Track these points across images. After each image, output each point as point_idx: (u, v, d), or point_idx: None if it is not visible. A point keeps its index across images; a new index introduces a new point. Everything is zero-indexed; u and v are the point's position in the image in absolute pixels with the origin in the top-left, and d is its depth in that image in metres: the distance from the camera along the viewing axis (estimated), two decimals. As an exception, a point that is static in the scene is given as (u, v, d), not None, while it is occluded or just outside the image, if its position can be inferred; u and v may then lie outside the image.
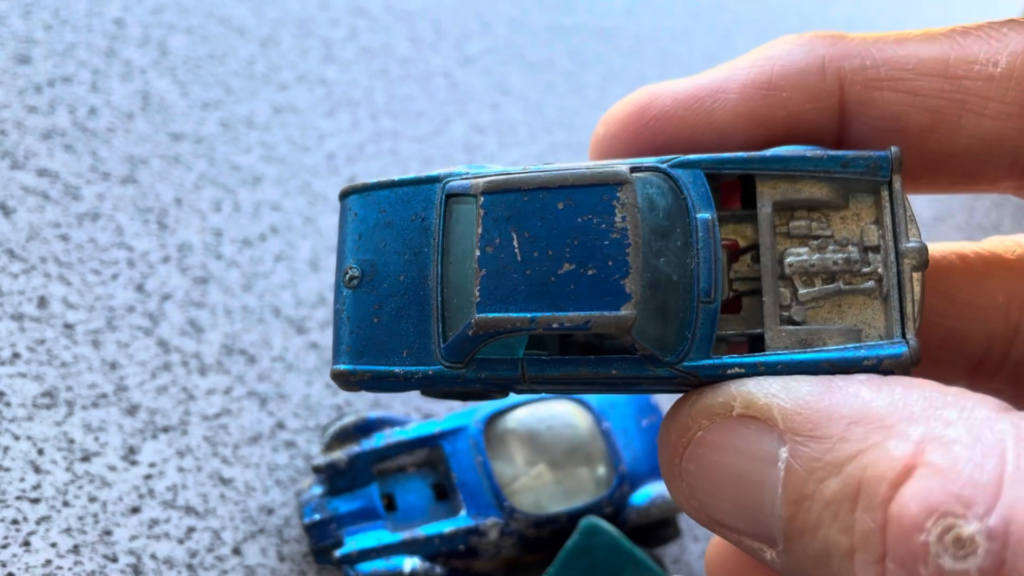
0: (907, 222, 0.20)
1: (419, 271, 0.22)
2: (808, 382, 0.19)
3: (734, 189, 0.22)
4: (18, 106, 0.41)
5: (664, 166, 0.21)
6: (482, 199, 0.21)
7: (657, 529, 0.35)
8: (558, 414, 0.35)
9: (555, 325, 0.20)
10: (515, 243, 0.21)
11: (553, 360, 0.21)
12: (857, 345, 0.20)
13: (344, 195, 0.24)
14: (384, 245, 0.23)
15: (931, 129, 0.21)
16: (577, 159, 0.51)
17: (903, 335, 0.20)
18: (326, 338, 0.39)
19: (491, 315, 0.20)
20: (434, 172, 0.23)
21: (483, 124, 0.49)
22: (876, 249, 0.21)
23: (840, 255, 0.21)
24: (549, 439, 0.34)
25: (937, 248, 0.25)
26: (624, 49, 0.55)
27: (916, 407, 0.17)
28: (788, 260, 0.21)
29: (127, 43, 0.45)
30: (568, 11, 0.56)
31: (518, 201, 0.21)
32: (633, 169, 0.21)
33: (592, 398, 0.35)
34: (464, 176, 0.22)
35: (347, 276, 0.23)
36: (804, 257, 0.21)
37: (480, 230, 0.21)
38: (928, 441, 0.17)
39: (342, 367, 0.22)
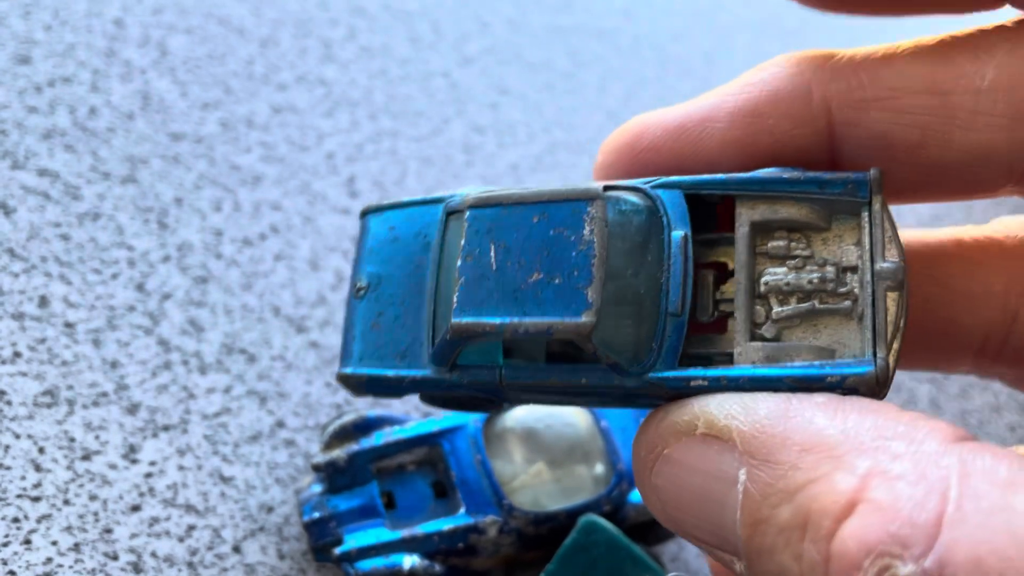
0: (885, 242, 0.20)
1: (418, 282, 0.24)
2: (767, 402, 0.19)
3: (730, 212, 0.23)
4: (18, 106, 0.42)
5: (646, 186, 0.22)
6: (468, 213, 0.22)
7: (656, 527, 0.35)
8: (557, 413, 0.35)
9: (521, 331, 0.21)
10: (492, 253, 0.22)
11: (528, 367, 0.22)
12: (823, 362, 0.20)
13: (363, 214, 0.26)
14: (389, 259, 0.24)
15: (920, 145, 0.21)
16: (575, 159, 0.51)
17: (874, 354, 0.19)
18: (326, 337, 0.39)
19: (465, 320, 0.21)
20: (442, 194, 0.24)
21: (482, 124, 0.49)
22: (854, 269, 0.21)
23: (815, 275, 0.21)
24: (548, 437, 0.34)
25: (935, 236, 0.24)
26: (623, 49, 0.55)
27: (866, 437, 0.17)
28: (764, 279, 0.21)
29: (127, 43, 0.46)
30: (567, 11, 0.56)
31: (499, 215, 0.22)
32: (610, 187, 0.22)
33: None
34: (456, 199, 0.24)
35: (356, 287, 0.25)
36: (779, 276, 0.21)
37: (463, 241, 0.22)
38: (873, 475, 0.16)
39: (344, 371, 0.24)
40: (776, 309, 0.21)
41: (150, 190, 0.41)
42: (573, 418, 0.35)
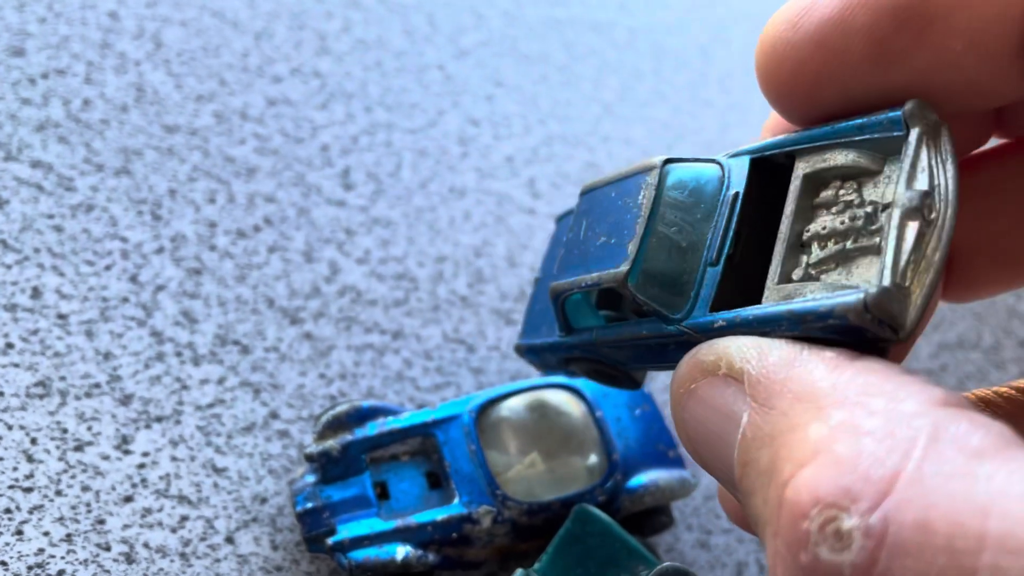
0: (917, 173, 0.19)
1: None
2: (780, 349, 0.19)
3: None
4: (12, 98, 0.41)
5: (719, 158, 0.24)
6: (580, 200, 0.26)
7: (650, 517, 0.35)
8: (551, 403, 0.35)
9: (583, 284, 0.24)
10: (583, 227, 0.25)
11: (610, 326, 0.25)
12: (823, 295, 0.19)
13: (557, 220, 0.32)
14: (549, 252, 0.30)
15: None
16: (571, 151, 0.51)
17: (879, 283, 0.19)
18: (319, 329, 0.39)
19: (556, 282, 0.25)
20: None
21: (477, 116, 0.49)
22: (889, 206, 0.20)
23: (850, 215, 0.20)
24: (542, 428, 0.34)
25: None
26: (618, 42, 0.55)
27: (852, 392, 0.17)
28: (808, 227, 0.21)
29: (121, 36, 0.45)
30: (562, 4, 0.56)
31: (593, 196, 0.26)
32: (675, 160, 0.24)
33: (586, 387, 0.35)
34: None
35: (536, 278, 0.31)
36: (820, 225, 0.21)
37: (572, 222, 0.26)
38: (843, 428, 0.16)
39: (517, 342, 0.30)
40: (815, 255, 0.21)
41: (144, 182, 0.41)
42: (568, 408, 0.35)
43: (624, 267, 0.23)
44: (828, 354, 0.18)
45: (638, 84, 0.53)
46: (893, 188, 0.20)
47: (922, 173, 0.19)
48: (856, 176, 0.21)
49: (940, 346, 0.47)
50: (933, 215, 0.19)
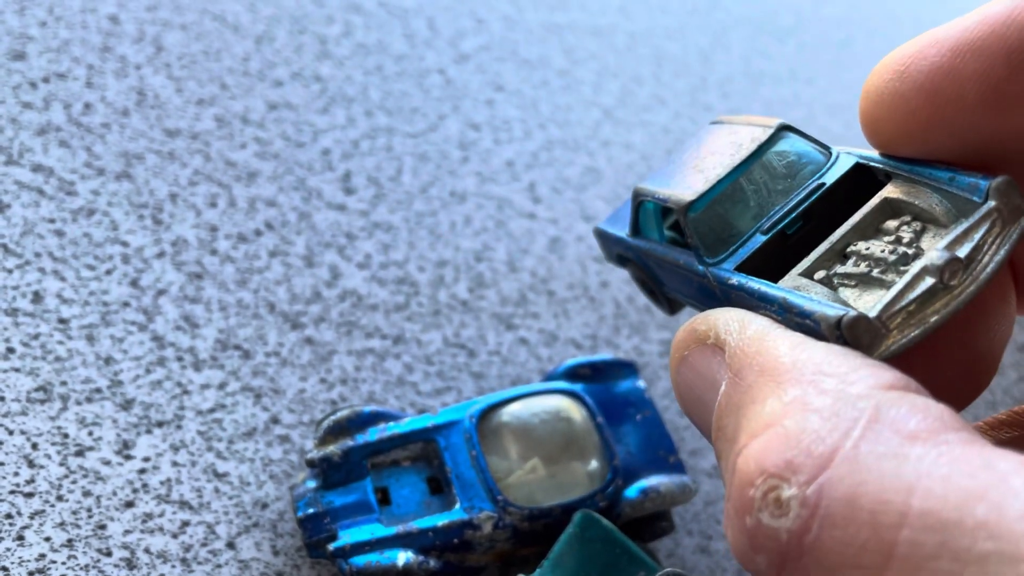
0: (963, 240, 0.20)
1: None
2: (757, 323, 0.20)
3: None
4: (13, 102, 0.41)
5: (835, 148, 0.24)
6: (709, 126, 0.27)
7: (651, 523, 0.35)
8: (552, 408, 0.35)
9: (656, 196, 0.25)
10: (693, 149, 0.26)
11: (664, 244, 0.26)
12: (815, 299, 0.20)
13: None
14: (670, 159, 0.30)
15: None
16: (571, 155, 0.51)
17: (867, 312, 0.19)
18: (320, 333, 0.39)
19: (642, 185, 0.26)
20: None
21: (478, 121, 0.49)
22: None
23: (890, 249, 0.21)
24: (543, 433, 0.34)
25: None
26: (618, 47, 0.55)
27: (808, 370, 0.18)
28: (857, 243, 0.22)
29: (122, 40, 0.45)
30: (563, 9, 0.56)
31: (719, 128, 0.26)
32: (790, 127, 0.24)
33: (587, 392, 0.35)
34: None
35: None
36: (866, 246, 0.21)
37: (692, 142, 0.27)
38: (794, 405, 0.18)
39: (598, 225, 0.30)
40: (841, 266, 0.21)
41: (145, 186, 0.41)
42: (568, 414, 0.35)
43: (690, 197, 0.24)
44: (796, 334, 0.20)
45: (638, 89, 0.53)
46: (937, 240, 0.20)
47: (969, 243, 0.20)
48: (926, 219, 0.21)
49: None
50: (954, 282, 0.19)
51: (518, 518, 0.32)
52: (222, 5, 0.49)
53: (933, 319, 0.19)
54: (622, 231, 0.28)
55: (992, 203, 0.20)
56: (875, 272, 0.21)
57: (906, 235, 0.21)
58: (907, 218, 0.21)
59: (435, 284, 0.42)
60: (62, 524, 0.32)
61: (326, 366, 0.38)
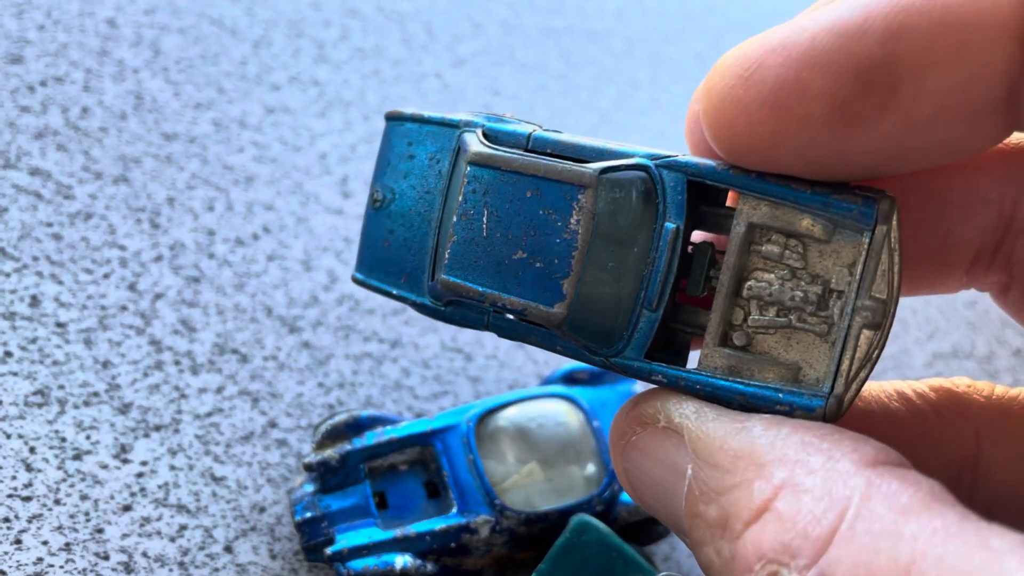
0: (877, 276, 0.20)
1: (427, 209, 0.24)
2: (718, 411, 0.20)
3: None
4: (10, 106, 0.42)
5: (652, 164, 0.21)
6: (468, 168, 0.22)
7: (647, 527, 0.35)
8: (549, 412, 0.35)
9: (499, 304, 0.22)
10: (484, 219, 0.22)
11: (514, 324, 0.23)
12: (778, 387, 0.20)
13: (387, 118, 0.26)
14: (404, 176, 0.25)
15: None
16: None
17: (831, 391, 0.20)
18: (318, 337, 0.39)
19: (453, 280, 0.22)
20: (456, 117, 0.24)
21: (475, 125, 0.49)
22: (840, 294, 0.20)
23: (799, 292, 0.20)
24: (540, 437, 0.34)
25: None
26: (615, 51, 0.56)
27: (791, 450, 0.18)
28: (749, 283, 0.21)
29: (120, 43, 0.46)
30: (560, 13, 0.56)
31: (496, 179, 0.22)
32: (608, 170, 0.21)
33: (583, 396, 0.36)
34: (478, 129, 0.23)
35: (372, 197, 0.25)
36: (764, 285, 0.21)
37: (460, 198, 0.23)
38: (785, 486, 0.18)
39: (357, 275, 0.25)
40: (754, 316, 0.21)
41: (142, 190, 0.41)
42: (565, 418, 0.35)
43: (560, 311, 0.21)
44: (765, 416, 0.19)
45: (635, 93, 0.54)
46: (845, 273, 0.20)
47: (881, 278, 0.20)
48: (799, 237, 0.20)
49: (934, 355, 0.47)
50: (885, 320, 0.20)
51: (515, 522, 0.32)
52: (220, 9, 0.49)
53: (875, 354, 0.20)
54: (413, 294, 0.24)
55: (884, 226, 0.20)
56: (795, 321, 0.20)
57: (795, 263, 0.20)
58: (781, 239, 0.21)
59: (432, 288, 0.42)
60: (60, 528, 0.32)
61: (323, 370, 0.38)
